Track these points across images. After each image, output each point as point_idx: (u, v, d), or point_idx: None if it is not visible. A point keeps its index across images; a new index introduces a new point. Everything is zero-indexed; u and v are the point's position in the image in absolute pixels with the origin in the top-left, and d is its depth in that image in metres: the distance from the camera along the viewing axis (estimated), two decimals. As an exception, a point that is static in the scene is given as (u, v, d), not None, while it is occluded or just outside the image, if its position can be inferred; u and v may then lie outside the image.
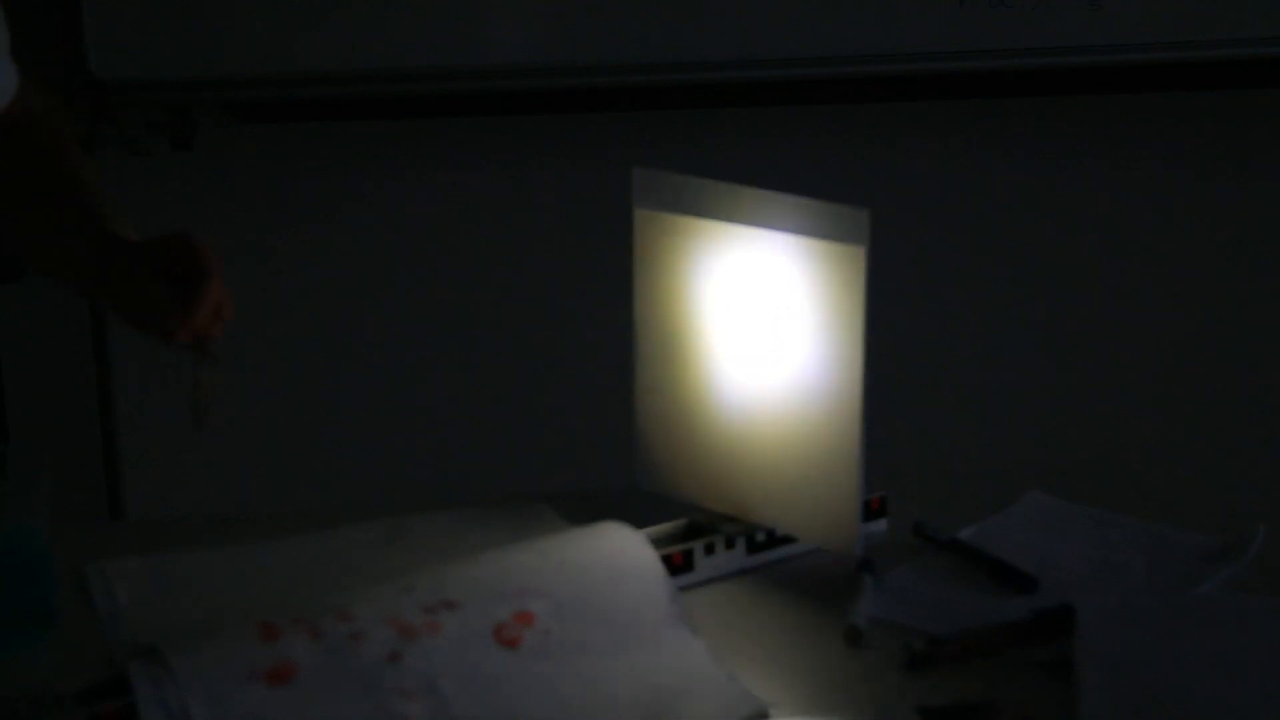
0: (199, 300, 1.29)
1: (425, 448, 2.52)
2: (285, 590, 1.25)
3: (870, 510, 1.37)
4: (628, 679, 1.13)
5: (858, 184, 2.04)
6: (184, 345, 1.32)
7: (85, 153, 1.45)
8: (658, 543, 1.27)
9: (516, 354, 2.53)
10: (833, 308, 1.26)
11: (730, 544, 1.32)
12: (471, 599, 1.16)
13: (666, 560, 1.25)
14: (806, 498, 1.31)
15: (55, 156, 1.43)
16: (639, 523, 1.28)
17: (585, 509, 1.36)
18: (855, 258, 1.24)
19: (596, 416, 1.93)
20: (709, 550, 1.31)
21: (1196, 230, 2.60)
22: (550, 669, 1.12)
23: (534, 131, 2.44)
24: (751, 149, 2.44)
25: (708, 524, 1.34)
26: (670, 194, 1.37)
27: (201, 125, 2.30)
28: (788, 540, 1.34)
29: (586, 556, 1.22)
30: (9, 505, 1.19)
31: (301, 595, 1.19)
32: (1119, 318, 2.62)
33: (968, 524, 1.39)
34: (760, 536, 1.34)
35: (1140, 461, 1.65)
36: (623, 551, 1.23)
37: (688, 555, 1.30)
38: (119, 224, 1.36)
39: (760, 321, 1.32)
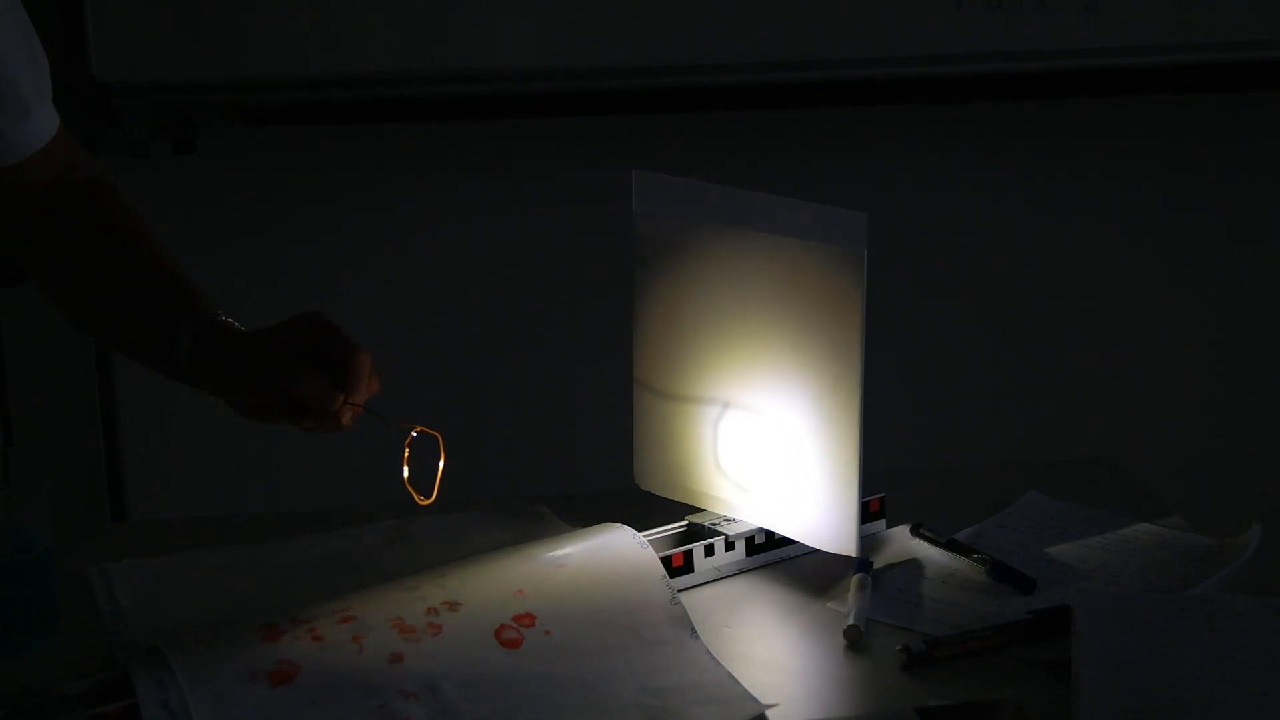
0: (359, 377, 1.26)
1: (426, 448, 2.51)
2: (287, 592, 1.25)
3: (869, 511, 1.38)
4: (628, 680, 1.13)
5: (857, 187, 2.05)
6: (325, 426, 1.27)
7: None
8: (657, 544, 1.28)
9: (517, 355, 2.53)
10: (832, 310, 1.26)
11: (730, 545, 1.33)
12: (472, 600, 1.16)
13: (666, 561, 1.25)
14: (805, 499, 1.31)
15: (133, 231, 1.39)
16: (639, 523, 1.28)
17: (585, 509, 1.37)
18: (854, 260, 1.24)
19: (596, 417, 1.93)
20: (709, 551, 1.31)
21: (1195, 231, 2.60)
22: (551, 670, 1.13)
23: (535, 134, 2.44)
24: (751, 152, 2.44)
25: (707, 525, 1.35)
26: (670, 196, 1.37)
27: (204, 128, 2.31)
28: (787, 541, 1.35)
29: (587, 558, 1.23)
30: (12, 507, 1.19)
31: (303, 597, 1.19)
32: (1117, 319, 2.62)
33: (966, 524, 1.39)
34: (760, 537, 1.34)
35: (1138, 462, 1.65)
36: (623, 552, 1.23)
37: (688, 556, 1.30)
38: (211, 304, 1.31)
39: (759, 323, 1.32)
